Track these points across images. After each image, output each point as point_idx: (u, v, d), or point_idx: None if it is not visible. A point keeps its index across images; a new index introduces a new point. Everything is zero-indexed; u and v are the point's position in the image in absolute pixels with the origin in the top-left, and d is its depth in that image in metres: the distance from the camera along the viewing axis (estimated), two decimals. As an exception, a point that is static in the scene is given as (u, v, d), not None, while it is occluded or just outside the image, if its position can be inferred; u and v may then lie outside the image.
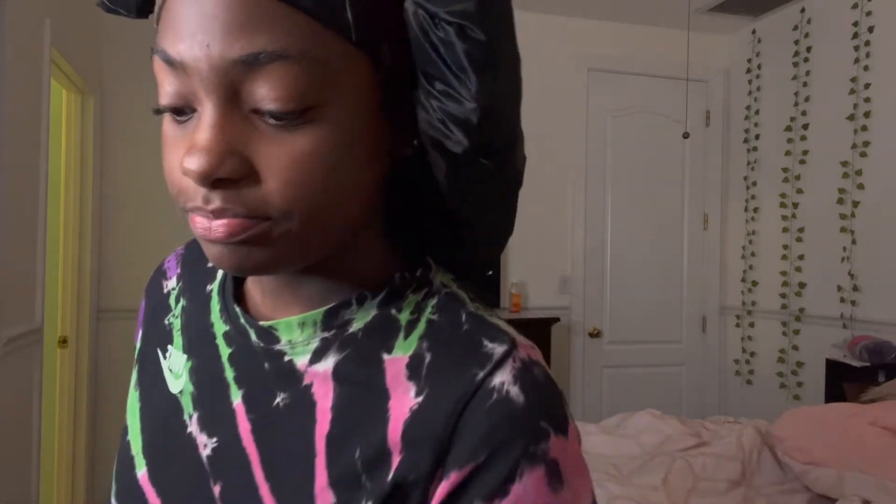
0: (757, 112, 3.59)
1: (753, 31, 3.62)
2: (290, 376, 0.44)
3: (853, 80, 3.00)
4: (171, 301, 0.53)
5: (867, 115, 2.93)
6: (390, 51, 0.39)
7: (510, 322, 0.48)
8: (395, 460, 0.40)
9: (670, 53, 3.69)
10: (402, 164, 0.44)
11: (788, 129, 3.34)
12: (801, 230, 3.28)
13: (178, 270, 0.54)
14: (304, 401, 0.43)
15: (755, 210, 3.59)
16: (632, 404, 2.97)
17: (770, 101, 3.51)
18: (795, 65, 3.32)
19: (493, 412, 0.38)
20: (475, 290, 0.47)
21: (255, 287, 0.47)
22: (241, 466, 0.43)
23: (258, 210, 0.37)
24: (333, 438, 0.41)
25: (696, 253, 3.80)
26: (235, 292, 0.49)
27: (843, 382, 2.64)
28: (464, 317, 0.43)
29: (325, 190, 0.38)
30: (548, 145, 3.57)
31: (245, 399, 0.44)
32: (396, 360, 0.42)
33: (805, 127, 3.26)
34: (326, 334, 0.44)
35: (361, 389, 0.42)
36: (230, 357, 0.46)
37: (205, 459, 0.44)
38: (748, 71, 3.64)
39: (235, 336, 0.46)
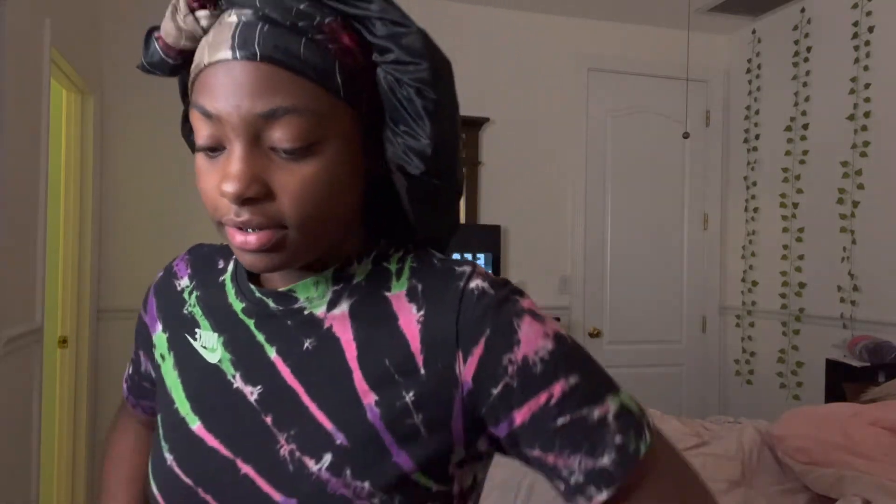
0: (757, 112, 3.59)
1: (753, 31, 3.62)
2: (311, 324, 0.57)
3: (853, 80, 3.00)
4: (186, 295, 0.66)
5: (867, 115, 2.93)
6: (366, 102, 0.54)
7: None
8: (420, 359, 0.54)
9: (670, 53, 3.69)
10: (374, 181, 0.60)
11: (788, 129, 3.34)
12: (801, 230, 3.28)
13: (189, 271, 0.68)
14: (328, 339, 0.57)
15: (755, 210, 3.59)
16: (632, 404, 2.97)
17: (770, 101, 3.51)
18: (795, 65, 3.32)
19: (480, 301, 0.54)
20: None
21: (267, 274, 0.60)
22: (289, 399, 0.56)
23: (275, 220, 0.51)
24: (363, 357, 0.55)
25: (696, 253, 3.80)
26: (250, 277, 0.63)
27: (843, 382, 2.64)
28: (435, 260, 0.59)
29: (323, 203, 0.52)
30: (548, 145, 3.57)
31: (279, 352, 0.58)
32: (396, 294, 0.57)
33: (805, 127, 3.26)
34: (336, 287, 0.58)
35: (374, 319, 0.56)
36: (255, 325, 0.59)
37: (253, 402, 0.57)
38: (748, 71, 3.64)
39: (253, 308, 0.60)
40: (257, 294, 0.60)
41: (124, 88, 3.03)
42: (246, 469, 0.55)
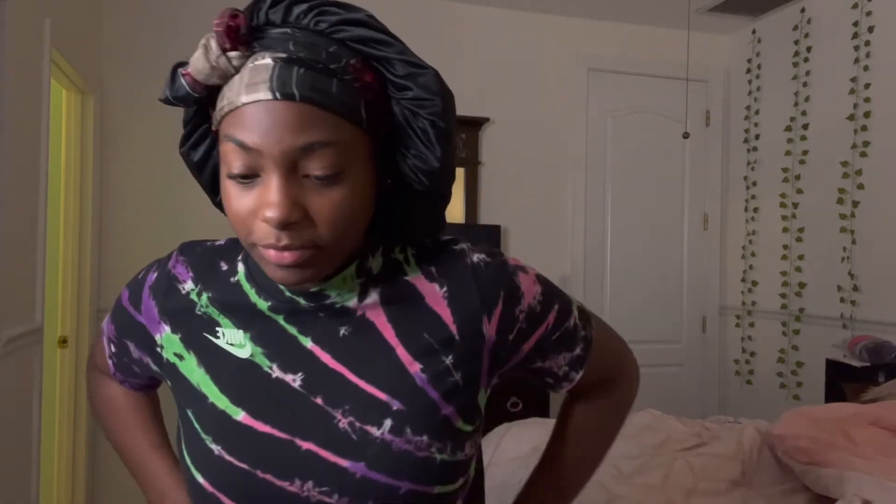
0: (757, 112, 3.59)
1: (753, 31, 3.62)
2: (345, 314, 0.65)
3: (853, 80, 3.00)
4: (194, 297, 0.69)
5: (867, 115, 2.93)
6: (383, 131, 0.61)
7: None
8: (455, 328, 0.65)
9: (670, 53, 3.69)
10: (379, 193, 0.66)
11: (788, 129, 3.34)
12: (801, 230, 3.28)
13: (191, 274, 0.70)
14: (362, 324, 0.65)
15: (755, 210, 3.59)
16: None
17: (770, 101, 3.51)
18: (795, 65, 3.32)
19: (487, 271, 0.67)
20: None
21: None
22: (336, 380, 0.63)
23: (311, 241, 0.57)
24: (402, 334, 0.64)
25: (696, 253, 3.80)
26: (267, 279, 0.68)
27: (843, 382, 2.64)
28: (429, 244, 0.69)
29: (350, 222, 0.59)
30: (547, 145, 3.58)
31: (315, 341, 0.65)
32: (415, 278, 0.66)
33: (805, 127, 3.26)
34: (360, 280, 0.65)
35: (403, 301, 0.65)
36: (284, 319, 0.65)
37: (298, 388, 0.63)
38: (748, 71, 3.64)
39: (282, 306, 0.65)
40: (287, 294, 0.65)
41: (124, 88, 3.03)
42: (307, 445, 0.61)
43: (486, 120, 3.43)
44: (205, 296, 0.68)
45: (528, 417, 2.57)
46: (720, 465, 1.82)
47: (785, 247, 3.36)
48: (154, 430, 0.83)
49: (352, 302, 0.65)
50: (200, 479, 0.63)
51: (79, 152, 2.78)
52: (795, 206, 3.31)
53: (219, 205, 0.68)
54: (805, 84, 3.27)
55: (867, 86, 2.93)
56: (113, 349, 0.78)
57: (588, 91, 3.62)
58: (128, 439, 0.82)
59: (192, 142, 0.65)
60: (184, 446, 0.65)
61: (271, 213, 0.55)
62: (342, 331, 0.65)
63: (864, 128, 2.95)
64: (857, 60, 2.99)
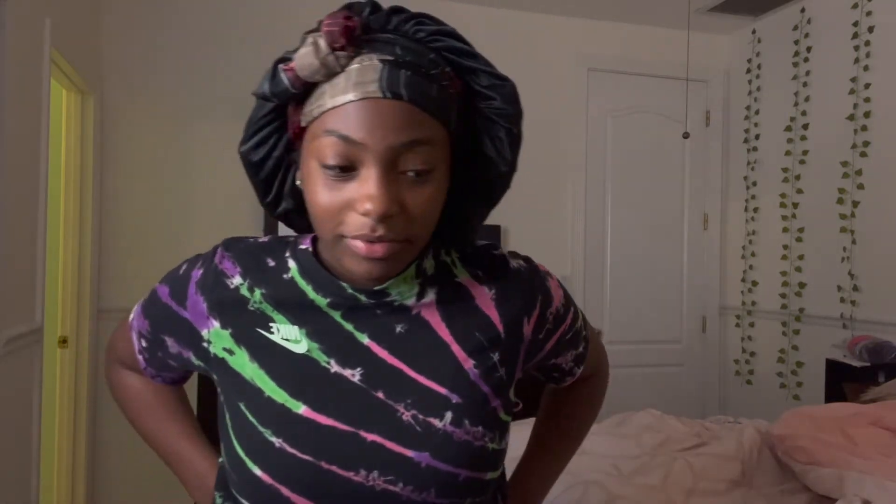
0: (757, 112, 3.59)
1: (753, 31, 3.62)
2: (402, 313, 0.68)
3: (853, 80, 3.00)
4: (245, 292, 0.69)
5: (867, 115, 2.93)
6: (459, 129, 0.65)
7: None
8: (501, 328, 0.71)
9: (670, 53, 3.69)
10: None
11: (788, 129, 3.34)
12: (801, 230, 3.28)
13: (239, 269, 0.70)
14: (417, 323, 0.69)
15: (755, 210, 3.59)
16: (632, 404, 2.97)
17: (770, 101, 3.51)
18: (795, 65, 3.32)
19: (526, 276, 0.74)
20: None
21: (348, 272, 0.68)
22: (395, 375, 0.67)
23: (403, 234, 0.60)
24: (456, 332, 0.69)
25: (696, 253, 3.80)
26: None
27: (843, 382, 2.63)
28: (469, 250, 0.74)
29: (434, 219, 0.63)
30: (548, 145, 3.57)
31: (372, 337, 0.68)
32: (465, 280, 0.72)
33: (805, 127, 3.26)
34: (419, 281, 0.69)
35: (456, 301, 0.70)
36: (342, 316, 0.68)
37: (358, 382, 0.66)
38: (748, 71, 3.64)
39: (342, 302, 0.68)
40: (349, 291, 0.67)
41: (124, 88, 3.03)
42: (372, 437, 0.64)
43: (486, 120, 3.43)
44: (258, 291, 0.69)
45: (528, 417, 2.57)
46: (720, 465, 1.81)
47: (785, 247, 3.36)
48: (186, 419, 0.85)
49: (410, 301, 0.69)
50: (258, 471, 0.64)
51: (79, 152, 2.78)
52: (795, 206, 3.31)
53: (267, 206, 0.71)
54: (805, 84, 3.26)
55: (867, 86, 2.93)
56: (144, 344, 0.78)
57: (588, 91, 3.62)
58: (159, 429, 0.84)
59: (256, 141, 0.67)
60: (234, 439, 0.66)
61: (372, 205, 0.57)
62: (398, 328, 0.68)
63: (864, 128, 2.95)
64: (857, 60, 2.99)
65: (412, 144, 0.59)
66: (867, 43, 2.94)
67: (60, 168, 2.73)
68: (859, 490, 1.53)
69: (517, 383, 0.75)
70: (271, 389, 0.66)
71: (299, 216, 0.72)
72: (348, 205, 0.59)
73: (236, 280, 0.70)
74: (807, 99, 3.25)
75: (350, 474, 0.63)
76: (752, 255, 3.62)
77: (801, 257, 3.28)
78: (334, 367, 0.67)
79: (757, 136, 3.59)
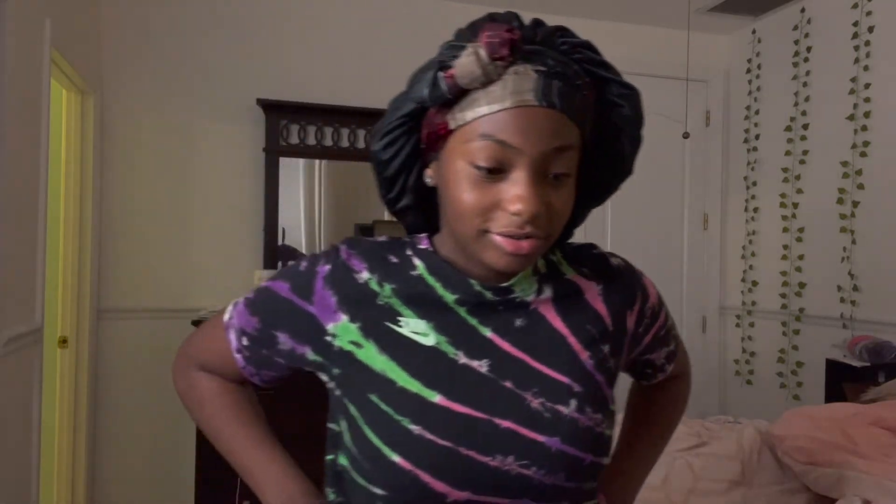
0: (757, 112, 3.59)
1: (753, 31, 3.62)
2: (521, 308, 0.73)
3: (853, 80, 3.00)
4: (374, 286, 0.73)
5: (867, 115, 2.93)
6: (589, 137, 0.70)
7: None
8: (609, 321, 0.76)
9: (670, 53, 3.69)
10: None
11: (788, 129, 3.34)
12: (801, 230, 3.28)
13: (366, 265, 0.74)
14: (535, 318, 0.74)
15: (755, 210, 3.59)
16: (632, 404, 2.97)
17: (770, 101, 3.51)
18: (795, 65, 3.32)
19: (626, 273, 0.80)
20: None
21: (474, 269, 0.72)
22: (520, 366, 0.71)
23: (544, 232, 0.65)
24: (570, 325, 0.74)
25: (696, 253, 3.80)
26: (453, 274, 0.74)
27: (843, 382, 2.63)
28: (570, 249, 0.80)
29: (568, 216, 0.68)
30: (548, 145, 3.57)
31: (494, 331, 0.72)
32: (573, 276, 0.77)
33: (805, 127, 3.26)
34: (535, 278, 0.75)
35: (569, 297, 0.76)
36: (467, 312, 0.72)
37: (486, 373, 0.70)
38: (748, 71, 3.64)
39: (469, 298, 0.72)
40: (476, 288, 0.72)
41: (124, 88, 3.03)
42: (506, 424, 0.68)
43: (486, 120, 3.43)
44: (387, 287, 0.73)
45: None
46: (720, 465, 1.81)
47: (785, 247, 3.36)
48: (262, 424, 0.86)
49: (530, 297, 0.73)
50: (396, 458, 0.66)
51: (79, 152, 2.78)
52: (795, 206, 3.31)
53: (388, 202, 0.77)
54: (805, 84, 3.26)
55: (867, 86, 2.93)
56: (246, 342, 0.78)
57: (588, 91, 3.61)
58: (237, 434, 0.83)
59: (387, 141, 0.72)
60: (367, 430, 0.69)
61: (523, 206, 0.62)
62: (517, 322, 0.73)
63: (864, 128, 2.95)
64: (857, 60, 2.99)
65: (560, 150, 0.64)
66: (867, 43, 2.94)
67: (60, 168, 2.73)
68: (859, 490, 1.53)
69: None
70: (404, 380, 0.70)
71: (415, 213, 0.77)
72: (497, 204, 0.64)
73: (364, 275, 0.73)
74: (807, 99, 3.25)
75: (487, 459, 0.67)
76: (752, 255, 3.62)
77: (801, 257, 3.28)
78: (462, 359, 0.71)
79: (757, 136, 3.59)
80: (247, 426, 0.84)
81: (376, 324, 0.72)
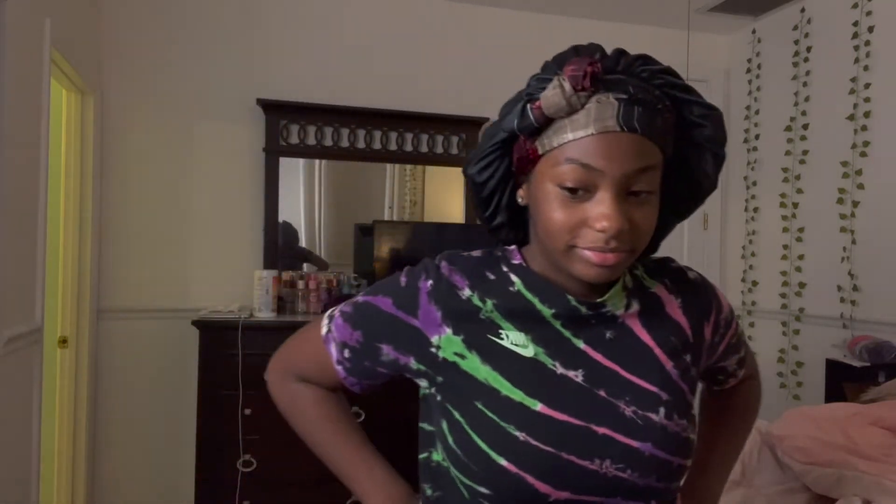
0: (757, 112, 3.59)
1: (753, 31, 3.62)
2: (611, 321, 0.78)
3: (853, 80, 3.00)
4: (477, 302, 0.78)
5: (867, 115, 2.93)
6: (672, 156, 0.75)
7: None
8: (689, 332, 0.82)
9: (670, 53, 3.68)
10: None
11: (788, 129, 3.34)
12: (801, 230, 3.28)
13: (468, 282, 0.79)
14: (624, 331, 0.78)
15: (755, 210, 3.59)
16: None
17: (770, 101, 3.51)
18: (795, 65, 3.32)
19: (702, 286, 0.86)
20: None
21: (569, 284, 0.78)
22: (612, 376, 0.76)
23: (628, 246, 0.70)
24: (656, 337, 0.79)
25: (696, 253, 3.80)
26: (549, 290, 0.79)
27: (843, 382, 2.63)
28: (651, 263, 0.85)
29: (652, 231, 0.73)
30: (548, 145, 3.57)
31: (587, 343, 0.77)
32: (656, 290, 0.82)
33: (805, 127, 3.26)
34: (625, 293, 0.79)
35: (653, 310, 0.81)
36: (562, 325, 0.77)
37: (581, 382, 0.75)
38: (748, 71, 3.64)
39: (564, 312, 0.77)
40: (573, 303, 0.77)
41: (124, 88, 3.03)
42: (602, 430, 0.73)
43: (486, 120, 3.43)
44: (489, 302, 0.78)
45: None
46: (720, 465, 1.81)
47: (785, 247, 3.36)
48: (359, 430, 0.92)
49: (620, 310, 0.78)
50: (503, 462, 0.72)
51: (79, 152, 2.79)
52: (795, 206, 3.31)
53: (485, 219, 0.85)
54: (805, 84, 3.26)
55: (867, 86, 2.93)
56: (347, 355, 0.83)
57: (588, 91, 3.61)
58: (337, 440, 0.89)
59: (482, 165, 0.80)
60: (473, 435, 0.74)
61: (608, 223, 0.67)
62: (608, 334, 0.78)
63: (864, 128, 2.95)
64: (857, 60, 2.99)
65: (642, 171, 0.68)
66: (867, 43, 2.94)
67: (60, 168, 2.73)
68: (859, 490, 1.53)
69: None
70: (507, 389, 0.75)
71: (508, 229, 0.84)
72: (583, 222, 0.69)
73: (466, 292, 0.79)
74: (807, 99, 3.25)
75: (586, 463, 0.72)
76: (752, 255, 3.62)
77: (801, 257, 3.28)
78: (560, 370, 0.76)
79: (757, 136, 3.59)
80: (347, 433, 0.90)
81: (479, 336, 0.78)
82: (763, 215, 3.54)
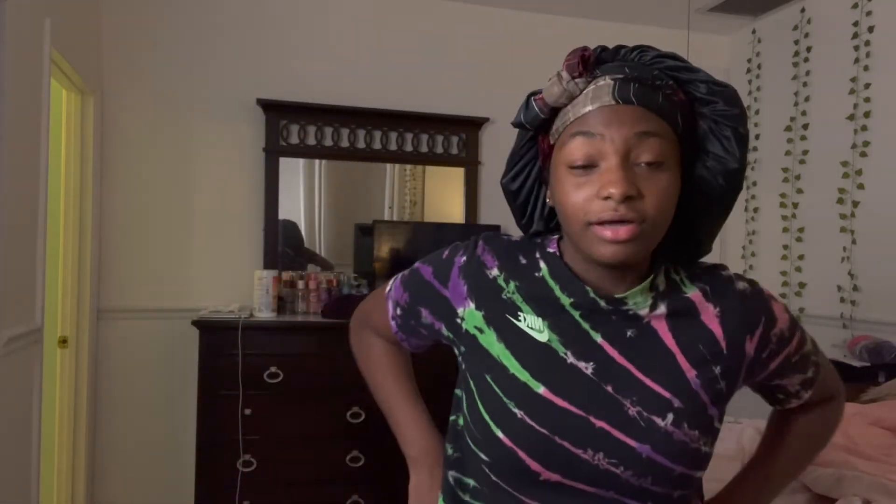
0: (757, 112, 3.59)
1: (753, 31, 3.62)
2: (634, 320, 0.77)
3: (853, 80, 3.00)
4: (501, 283, 0.82)
5: (867, 115, 2.93)
6: (686, 134, 0.75)
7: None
8: (724, 343, 0.78)
9: (670, 53, 3.69)
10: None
11: (788, 129, 3.34)
12: (801, 230, 3.28)
13: (497, 262, 0.83)
14: (647, 331, 0.77)
15: (755, 210, 3.59)
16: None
17: (770, 101, 3.51)
18: (795, 65, 3.32)
19: (751, 298, 0.80)
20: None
21: (590, 276, 0.78)
22: (623, 374, 0.76)
23: (641, 215, 0.69)
24: (681, 343, 0.77)
25: (696, 253, 3.79)
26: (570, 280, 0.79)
27: (843, 382, 2.63)
28: (697, 270, 0.82)
29: (667, 208, 0.71)
30: (548, 145, 3.57)
31: (604, 337, 0.77)
32: (693, 296, 0.79)
33: (805, 127, 3.26)
34: (652, 294, 0.78)
35: (683, 315, 0.78)
36: (581, 316, 0.78)
37: (590, 375, 0.76)
38: (748, 71, 3.64)
39: (583, 304, 0.77)
40: (591, 295, 0.77)
41: (124, 88, 3.03)
42: (600, 424, 0.74)
43: (486, 120, 3.43)
44: (512, 284, 0.81)
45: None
46: (720, 465, 1.81)
47: (785, 247, 3.36)
48: (413, 384, 1.01)
49: (643, 311, 0.77)
50: (500, 433, 0.75)
51: (79, 152, 2.79)
52: (795, 206, 3.31)
53: (522, 227, 0.88)
54: (805, 84, 3.26)
55: (867, 86, 2.93)
56: (399, 312, 0.92)
57: (588, 91, 3.61)
58: (391, 387, 1.00)
59: (514, 172, 0.84)
60: (480, 404, 0.78)
61: (614, 188, 0.68)
62: (629, 332, 0.77)
63: (864, 128, 2.95)
64: (857, 60, 2.99)
65: (643, 136, 0.69)
66: (867, 43, 2.94)
67: (60, 168, 2.73)
68: (859, 490, 1.53)
69: None
70: (515, 368, 0.78)
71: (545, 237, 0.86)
72: (592, 196, 0.70)
73: (494, 272, 0.82)
74: (807, 99, 3.25)
75: (579, 451, 0.73)
76: (752, 255, 3.62)
77: (801, 257, 3.28)
78: (570, 359, 0.77)
79: (757, 136, 3.59)
80: (401, 382, 0.99)
81: (498, 315, 0.81)
82: (763, 215, 3.54)
